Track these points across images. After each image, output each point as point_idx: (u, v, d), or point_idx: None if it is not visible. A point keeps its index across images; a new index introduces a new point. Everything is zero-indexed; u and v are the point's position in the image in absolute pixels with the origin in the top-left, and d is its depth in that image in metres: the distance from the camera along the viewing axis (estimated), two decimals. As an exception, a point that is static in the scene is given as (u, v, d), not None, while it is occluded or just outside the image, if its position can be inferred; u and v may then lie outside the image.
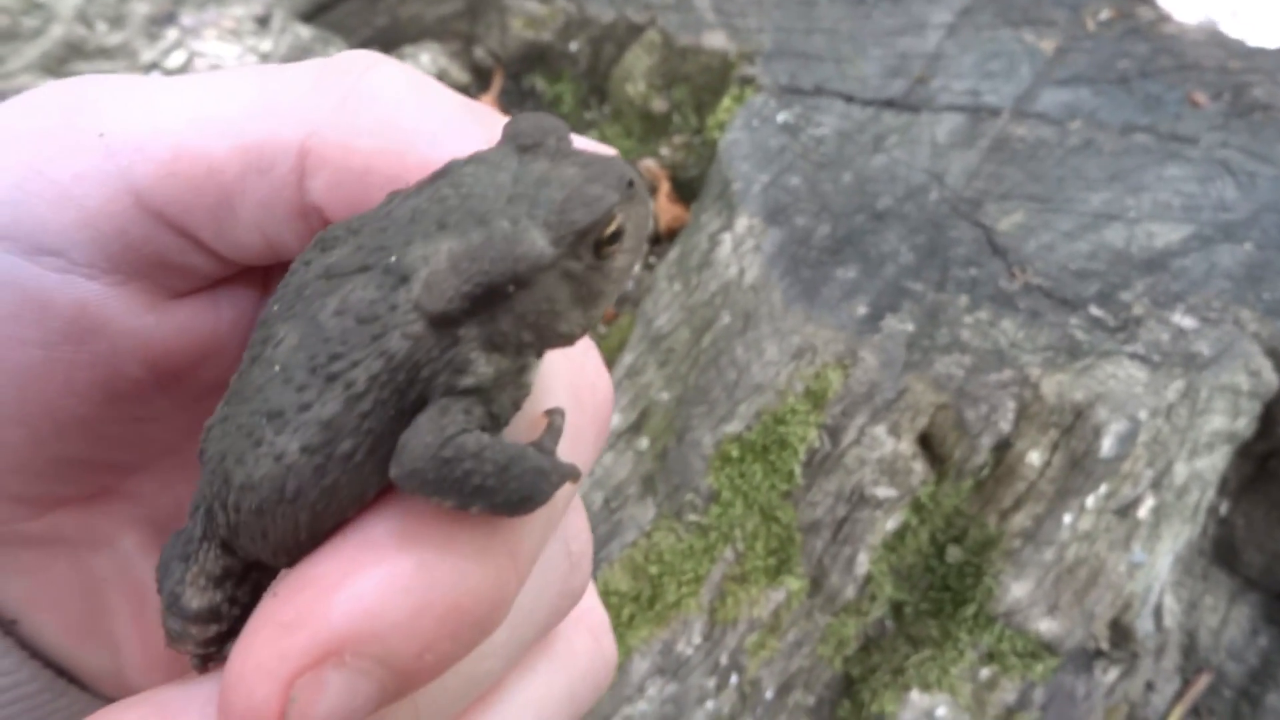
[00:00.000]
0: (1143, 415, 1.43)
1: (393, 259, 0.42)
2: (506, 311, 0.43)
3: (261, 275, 0.54)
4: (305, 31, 2.23)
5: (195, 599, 0.46)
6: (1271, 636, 1.59)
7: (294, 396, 0.42)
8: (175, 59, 2.10)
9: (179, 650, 0.49)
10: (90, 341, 0.47)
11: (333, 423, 0.41)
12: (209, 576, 0.47)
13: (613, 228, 0.44)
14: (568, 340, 0.45)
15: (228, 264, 0.50)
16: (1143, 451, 1.44)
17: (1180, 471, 1.47)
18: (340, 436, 0.41)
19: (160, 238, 0.47)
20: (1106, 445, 1.43)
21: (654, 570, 1.54)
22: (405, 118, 0.47)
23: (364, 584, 0.39)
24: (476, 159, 0.45)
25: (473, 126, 0.48)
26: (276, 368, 0.42)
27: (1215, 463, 1.52)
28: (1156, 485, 1.46)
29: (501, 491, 0.41)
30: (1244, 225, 1.77)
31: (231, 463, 0.43)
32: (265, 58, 2.16)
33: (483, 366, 0.43)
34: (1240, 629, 1.61)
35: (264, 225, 0.48)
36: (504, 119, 0.48)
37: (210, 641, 0.48)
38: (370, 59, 0.49)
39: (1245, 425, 1.52)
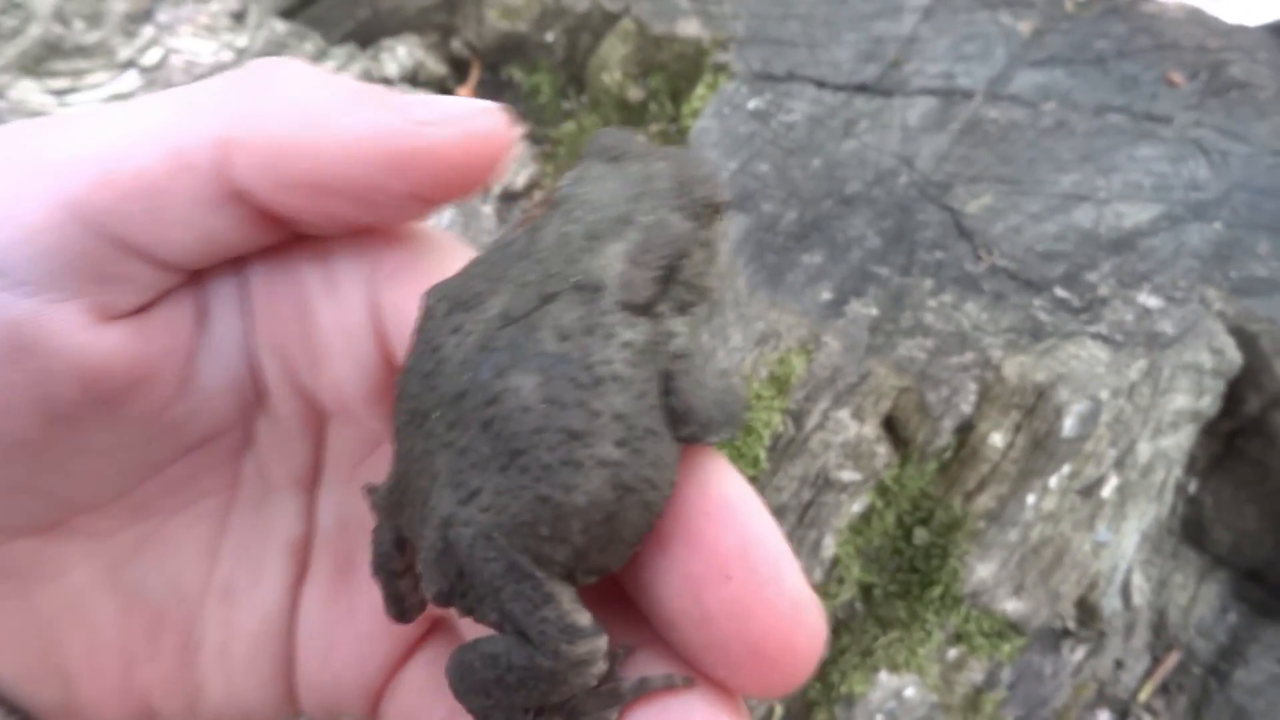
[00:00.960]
0: (1104, 395, 1.44)
1: (575, 279, 0.50)
2: (678, 283, 0.52)
3: (191, 305, 0.56)
4: (281, 26, 2.24)
5: (583, 617, 0.49)
6: (1240, 613, 1.60)
7: (581, 413, 0.47)
8: (152, 56, 2.11)
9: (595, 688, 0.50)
10: (24, 360, 0.49)
11: (625, 414, 0.47)
12: (575, 600, 0.49)
13: (721, 198, 0.54)
14: (718, 293, 0.56)
15: (165, 270, 0.53)
16: (1105, 431, 1.44)
17: (1144, 450, 1.47)
18: (637, 419, 0.48)
19: (98, 248, 0.49)
20: (1068, 425, 1.43)
21: (624, 556, 1.56)
22: (314, 100, 0.51)
23: (760, 530, 0.48)
24: (580, 179, 0.54)
25: (375, 104, 0.52)
26: (543, 405, 0.47)
27: (1180, 441, 1.53)
28: (1120, 464, 1.46)
29: (741, 408, 0.51)
30: (1215, 204, 1.76)
31: (560, 495, 0.46)
32: (241, 53, 2.17)
33: (682, 327, 0.52)
34: (1209, 606, 1.61)
35: (197, 221, 0.51)
36: (400, 94, 0.53)
37: (607, 656, 0.49)
38: (279, 60, 0.54)
39: (1209, 404, 1.52)
